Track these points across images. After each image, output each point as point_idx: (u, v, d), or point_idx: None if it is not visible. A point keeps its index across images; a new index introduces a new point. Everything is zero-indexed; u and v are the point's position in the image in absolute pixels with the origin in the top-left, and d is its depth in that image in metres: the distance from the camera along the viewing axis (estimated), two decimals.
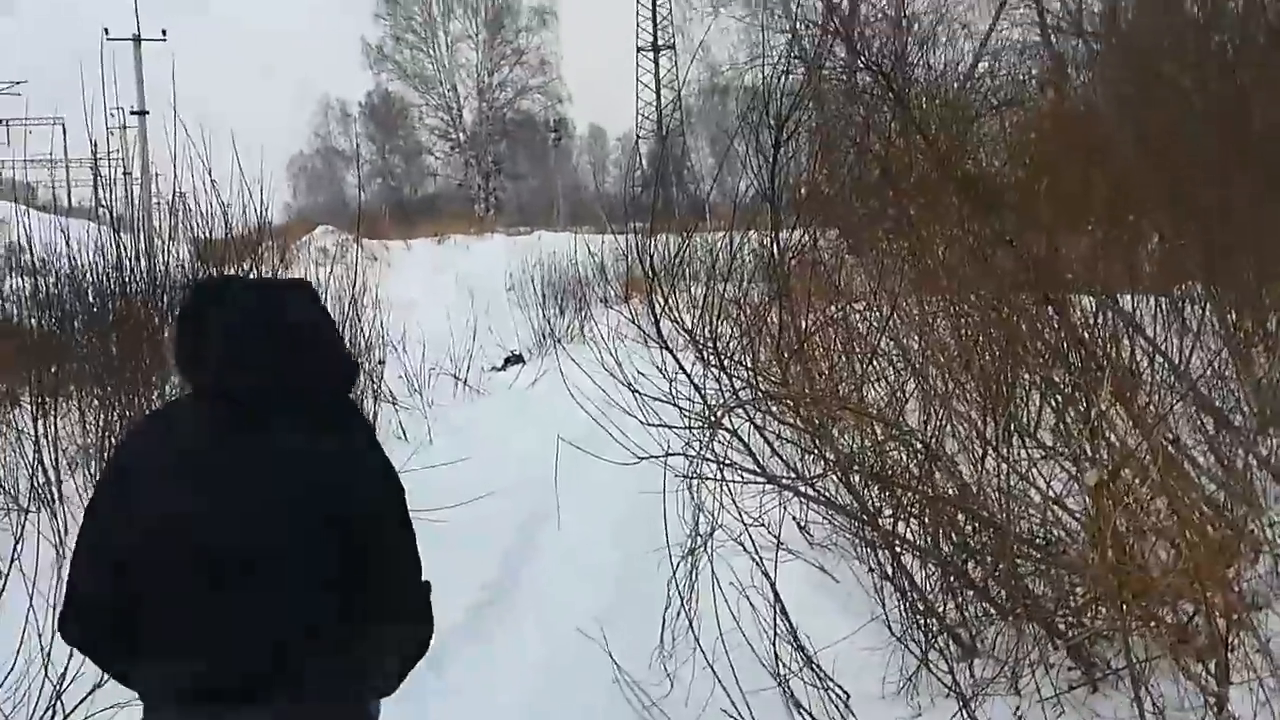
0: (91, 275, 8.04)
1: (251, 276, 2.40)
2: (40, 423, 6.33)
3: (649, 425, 4.56)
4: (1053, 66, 14.54)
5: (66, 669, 3.85)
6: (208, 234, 8.36)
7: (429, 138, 49.51)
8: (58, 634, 2.30)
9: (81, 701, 3.85)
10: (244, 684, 2.10)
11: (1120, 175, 6.12)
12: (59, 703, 3.82)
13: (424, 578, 2.29)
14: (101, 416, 6.71)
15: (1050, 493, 3.82)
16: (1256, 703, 2.85)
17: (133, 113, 30.38)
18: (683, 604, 4.04)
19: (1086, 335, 4.71)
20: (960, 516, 4.02)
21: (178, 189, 8.24)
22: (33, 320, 8.22)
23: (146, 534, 2.14)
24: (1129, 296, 5.91)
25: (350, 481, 2.20)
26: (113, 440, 6.61)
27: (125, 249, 7.64)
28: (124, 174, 23.67)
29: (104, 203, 10.25)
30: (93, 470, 6.44)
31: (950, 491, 4.04)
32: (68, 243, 8.13)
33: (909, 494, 4.11)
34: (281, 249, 13.53)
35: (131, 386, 6.78)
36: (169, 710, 2.17)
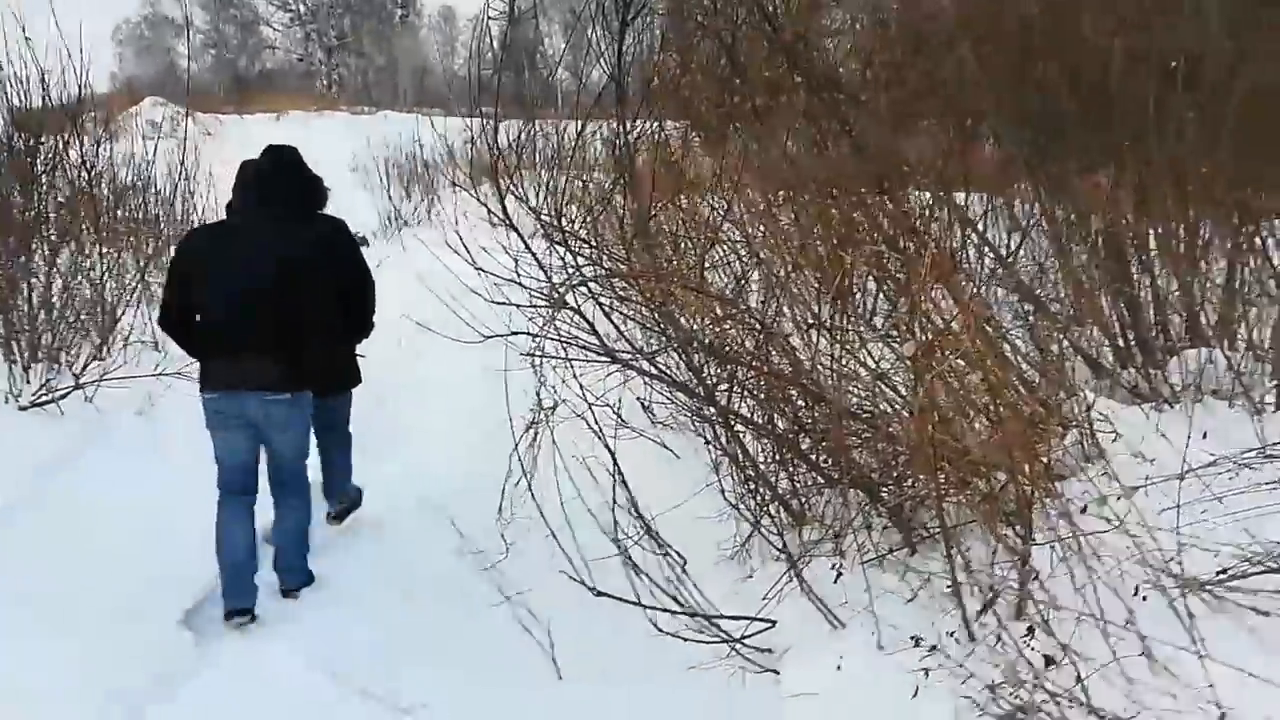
0: None
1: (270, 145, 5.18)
2: None
3: (495, 303, 4.57)
4: None
5: None
6: (24, 101, 7.84)
7: (266, 8, 47.10)
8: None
9: None
10: (251, 345, 4.30)
11: (959, 75, 6.28)
12: None
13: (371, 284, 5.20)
14: None
15: (878, 370, 4.00)
16: (1056, 559, 3.09)
17: None
18: (525, 474, 4.11)
19: (919, 225, 4.90)
20: (794, 392, 4.18)
21: None
22: None
23: (203, 272, 4.36)
24: (964, 195, 6.14)
25: (308, 249, 4.54)
26: None
27: None
28: None
29: None
30: None
31: (785, 368, 4.19)
32: None
33: (746, 370, 4.24)
34: (106, 119, 12.77)
35: None
36: (212, 361, 4.36)
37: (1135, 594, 2.88)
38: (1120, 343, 4.70)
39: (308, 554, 4.66)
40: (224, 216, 4.64)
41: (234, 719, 3.65)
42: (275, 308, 4.29)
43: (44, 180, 7.42)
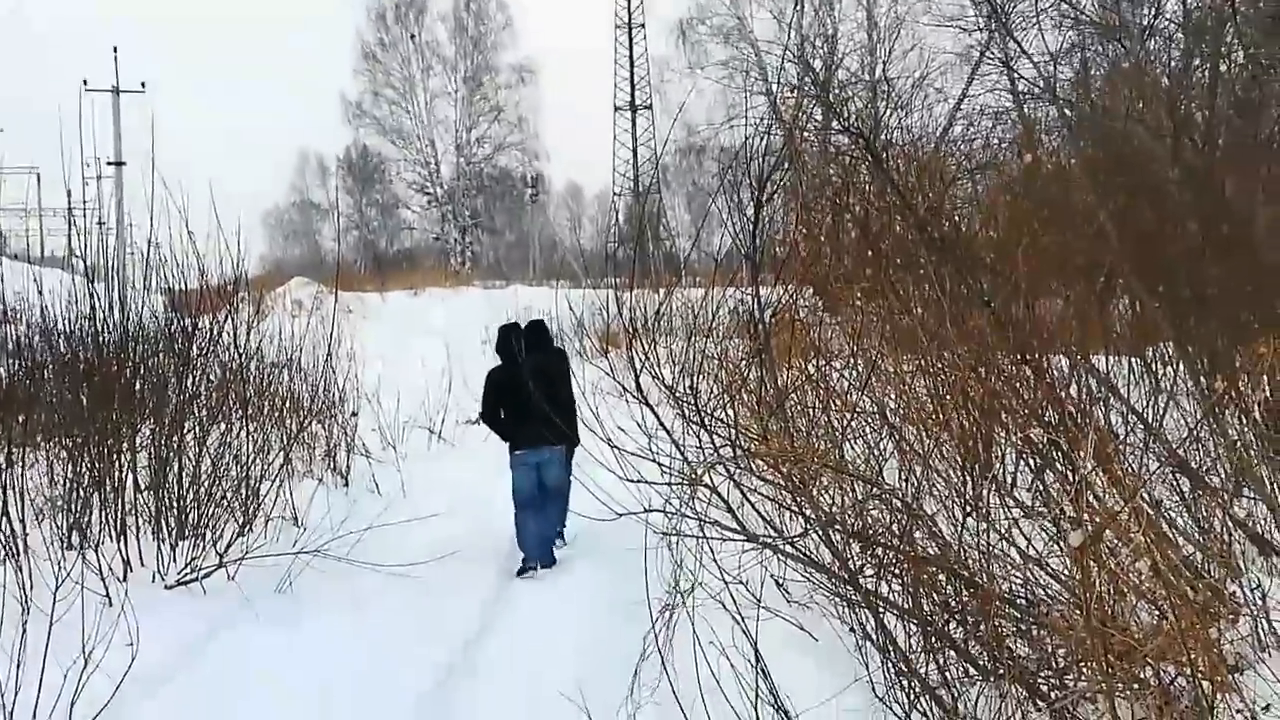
0: (63, 325, 7.96)
1: (523, 321, 8.73)
2: (6, 473, 6.21)
3: (628, 481, 4.53)
4: (1024, 131, 14.75)
5: None
6: (183, 284, 8.30)
7: (406, 192, 49.56)
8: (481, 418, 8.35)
9: None
10: (540, 425, 6.81)
11: (1092, 238, 6.18)
12: None
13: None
14: (70, 467, 6.59)
15: (1031, 552, 3.81)
16: None
17: (110, 163, 30.38)
18: (662, 662, 3.98)
19: (1063, 395, 4.73)
20: (941, 576, 3.99)
21: (153, 239, 8.18)
22: (1, 369, 8.10)
23: (505, 384, 7.93)
24: (1103, 357, 5.95)
25: (560, 366, 8.12)
26: (82, 491, 6.51)
27: (98, 299, 7.54)
28: (99, 224, 23.54)
29: (78, 252, 10.17)
30: (59, 521, 6.31)
31: (931, 550, 4.02)
32: (40, 292, 8.06)
33: (890, 553, 4.08)
34: (257, 300, 13.43)
35: (101, 437, 6.67)
36: (516, 433, 7.89)
37: None
38: None
39: (554, 549, 7.72)
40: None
41: None
42: (543, 402, 6.68)
43: (198, 363, 7.77)
